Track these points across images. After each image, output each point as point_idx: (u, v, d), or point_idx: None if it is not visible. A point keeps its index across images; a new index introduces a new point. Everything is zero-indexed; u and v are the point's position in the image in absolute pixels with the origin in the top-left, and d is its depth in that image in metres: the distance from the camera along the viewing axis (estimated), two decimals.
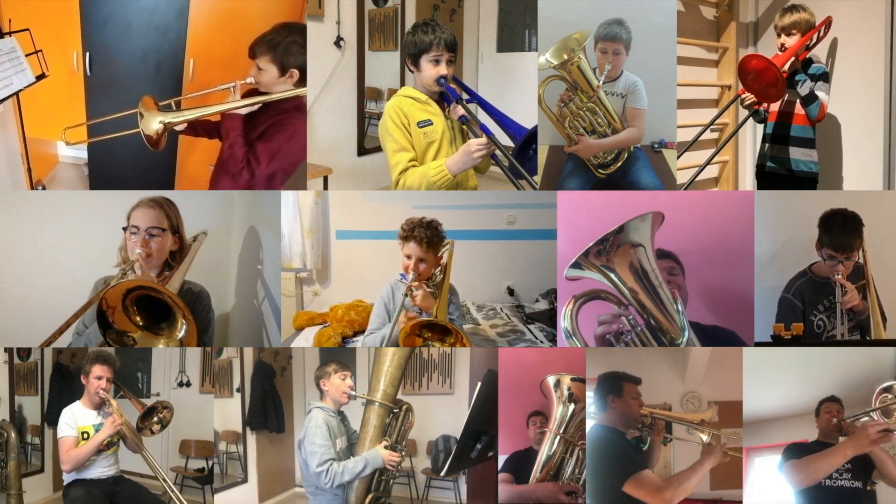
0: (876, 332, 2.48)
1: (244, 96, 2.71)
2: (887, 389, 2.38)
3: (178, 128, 2.66)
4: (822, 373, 2.56)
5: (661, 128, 3.00)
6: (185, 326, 2.10)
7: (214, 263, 3.10)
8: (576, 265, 2.06)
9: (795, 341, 2.46)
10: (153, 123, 2.55)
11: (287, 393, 3.79)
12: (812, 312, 2.56)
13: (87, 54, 3.04)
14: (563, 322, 2.10)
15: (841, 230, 2.49)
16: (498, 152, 2.39)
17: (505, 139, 2.59)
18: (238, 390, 3.63)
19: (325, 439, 2.36)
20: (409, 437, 2.52)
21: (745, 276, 2.63)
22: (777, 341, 2.46)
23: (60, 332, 2.04)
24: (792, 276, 2.62)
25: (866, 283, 2.51)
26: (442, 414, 3.63)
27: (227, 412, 3.67)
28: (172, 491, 2.45)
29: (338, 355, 2.96)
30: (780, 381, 2.59)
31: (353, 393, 2.47)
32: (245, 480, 3.65)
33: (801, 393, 2.52)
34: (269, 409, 3.66)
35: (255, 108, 2.68)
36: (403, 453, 2.39)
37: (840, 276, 2.47)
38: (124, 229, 2.36)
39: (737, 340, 2.51)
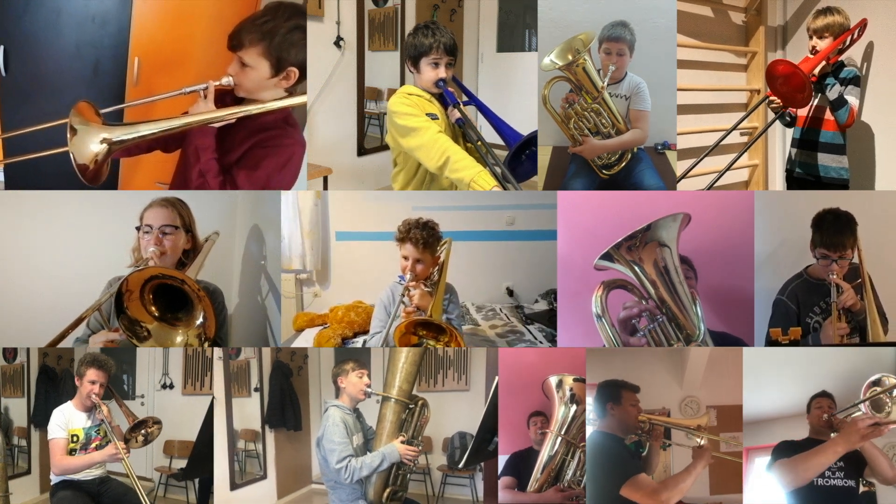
0: (874, 332, 2.43)
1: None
2: (876, 382, 2.35)
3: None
4: (821, 372, 2.56)
5: (663, 129, 3.00)
6: (203, 314, 2.06)
7: (219, 263, 3.08)
8: (606, 256, 2.15)
9: (794, 346, 2.46)
10: (91, 143, 1.78)
11: (303, 392, 3.81)
12: (808, 314, 2.53)
13: (2, 48, 2.47)
14: (594, 307, 2.18)
15: (832, 228, 2.45)
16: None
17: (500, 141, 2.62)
18: (256, 390, 3.67)
19: (343, 437, 2.42)
20: (425, 434, 2.55)
21: (746, 277, 2.63)
22: (774, 346, 2.47)
23: (72, 328, 1.98)
24: (787, 278, 2.59)
25: (863, 283, 2.46)
26: (457, 411, 3.62)
27: (246, 411, 3.70)
28: (144, 498, 2.46)
29: (355, 354, 2.98)
30: (779, 380, 2.60)
31: (370, 390, 2.51)
32: (264, 477, 3.70)
33: (801, 392, 2.51)
34: (286, 408, 3.71)
35: (232, 121, 2.09)
36: (420, 448, 2.44)
37: (835, 276, 2.42)
38: (137, 229, 2.36)
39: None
